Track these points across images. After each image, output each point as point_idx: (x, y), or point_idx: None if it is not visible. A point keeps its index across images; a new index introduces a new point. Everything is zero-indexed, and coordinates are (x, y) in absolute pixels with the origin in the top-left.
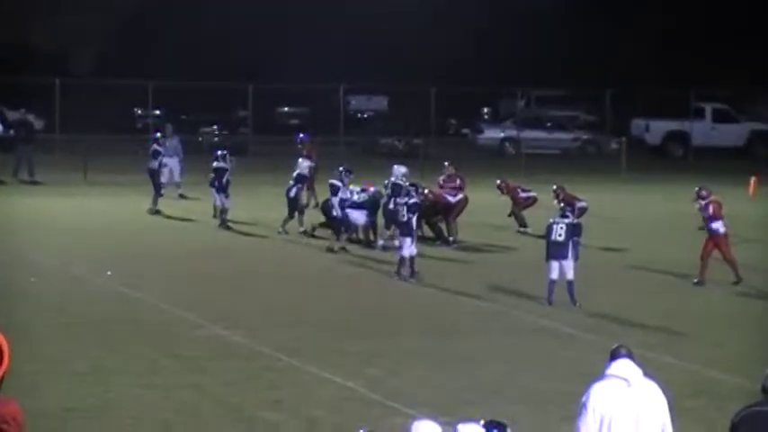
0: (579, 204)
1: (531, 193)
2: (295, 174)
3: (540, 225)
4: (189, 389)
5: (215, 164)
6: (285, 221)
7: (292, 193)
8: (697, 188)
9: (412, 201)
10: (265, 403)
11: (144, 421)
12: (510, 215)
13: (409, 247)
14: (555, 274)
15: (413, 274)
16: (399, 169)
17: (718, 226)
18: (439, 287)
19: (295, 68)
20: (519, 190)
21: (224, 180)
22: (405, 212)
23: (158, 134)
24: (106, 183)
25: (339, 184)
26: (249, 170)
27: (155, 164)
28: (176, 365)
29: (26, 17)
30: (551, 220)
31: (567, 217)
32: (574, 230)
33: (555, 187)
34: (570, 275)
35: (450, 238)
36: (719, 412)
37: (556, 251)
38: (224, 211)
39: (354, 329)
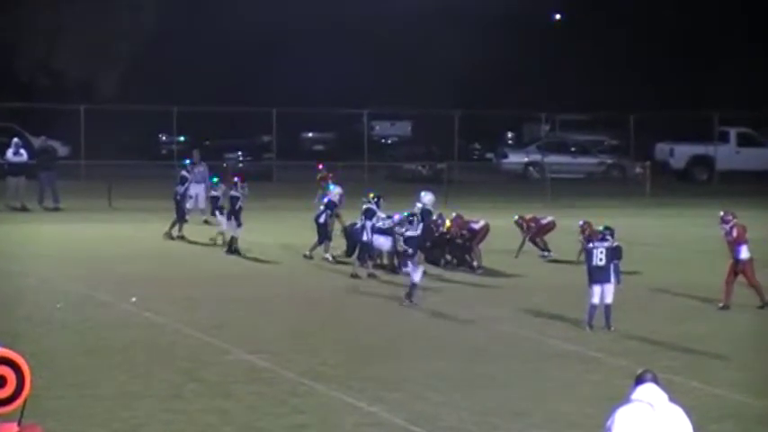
0: None
1: (549, 219)
2: (325, 200)
3: (562, 250)
4: (213, 413)
5: (230, 192)
6: (314, 247)
7: (322, 219)
8: (721, 213)
9: (408, 233)
10: (289, 428)
11: None
12: (531, 241)
13: (417, 273)
14: (597, 299)
15: (409, 297)
16: (427, 196)
17: (742, 250)
18: (463, 312)
19: (319, 94)
20: (538, 219)
21: (236, 208)
22: (402, 244)
23: (188, 161)
24: (131, 209)
25: (375, 208)
26: (273, 195)
27: (181, 189)
28: (201, 390)
29: (51, 44)
30: (591, 245)
31: (606, 240)
32: (614, 254)
33: (581, 223)
34: (609, 299)
35: (475, 264)
36: None
37: (598, 275)
38: (233, 239)
39: (378, 354)
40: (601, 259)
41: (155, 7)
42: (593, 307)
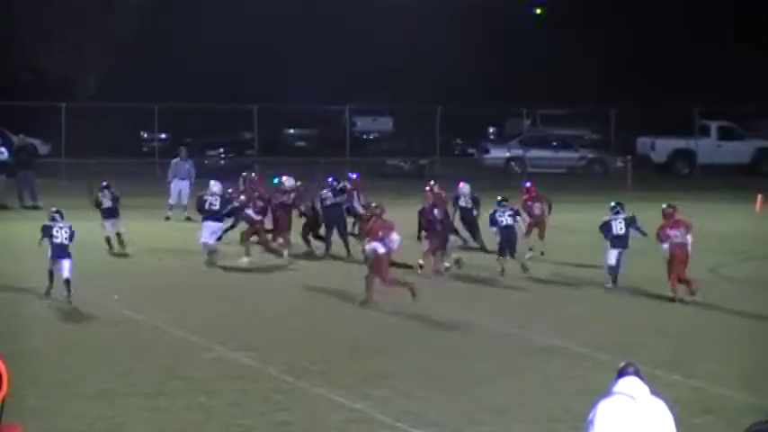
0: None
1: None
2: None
3: (547, 246)
4: (196, 411)
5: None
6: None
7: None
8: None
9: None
10: (273, 425)
11: None
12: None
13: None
14: (614, 260)
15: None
16: (466, 188)
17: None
18: (445, 308)
19: (301, 90)
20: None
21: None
22: (62, 235)
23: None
24: None
25: None
26: None
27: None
28: (183, 388)
29: (32, 42)
30: (608, 218)
31: (619, 213)
32: (631, 221)
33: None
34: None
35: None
36: (728, 429)
37: (618, 243)
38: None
39: (362, 351)
40: (621, 229)
41: (135, 7)
42: (611, 268)
